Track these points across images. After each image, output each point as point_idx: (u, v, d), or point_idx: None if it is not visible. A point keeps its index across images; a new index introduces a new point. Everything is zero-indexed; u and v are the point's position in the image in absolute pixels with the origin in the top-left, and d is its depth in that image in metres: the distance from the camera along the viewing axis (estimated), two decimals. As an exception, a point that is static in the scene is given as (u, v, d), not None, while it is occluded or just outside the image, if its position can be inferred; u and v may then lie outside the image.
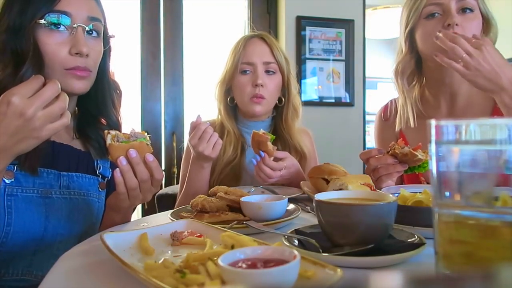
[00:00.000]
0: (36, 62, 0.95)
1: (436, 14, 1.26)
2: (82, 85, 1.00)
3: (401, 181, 1.45)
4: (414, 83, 1.42)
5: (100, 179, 1.12)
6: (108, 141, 0.84)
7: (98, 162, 1.13)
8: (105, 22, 1.07)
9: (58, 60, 0.96)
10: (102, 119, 1.14)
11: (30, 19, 0.95)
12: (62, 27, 0.96)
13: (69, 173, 1.05)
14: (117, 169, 0.85)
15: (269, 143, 1.24)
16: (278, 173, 1.26)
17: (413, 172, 1.13)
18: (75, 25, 0.96)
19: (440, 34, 1.11)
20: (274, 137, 1.30)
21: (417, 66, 1.40)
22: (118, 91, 1.20)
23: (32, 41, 0.95)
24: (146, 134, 0.88)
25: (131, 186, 0.86)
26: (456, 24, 1.21)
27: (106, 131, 0.86)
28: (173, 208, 1.03)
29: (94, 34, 1.02)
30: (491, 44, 1.09)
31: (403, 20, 1.37)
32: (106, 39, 1.09)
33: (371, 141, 3.99)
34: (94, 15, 1.01)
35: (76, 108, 1.17)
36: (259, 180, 1.28)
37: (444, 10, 1.25)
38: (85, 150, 1.12)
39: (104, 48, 1.07)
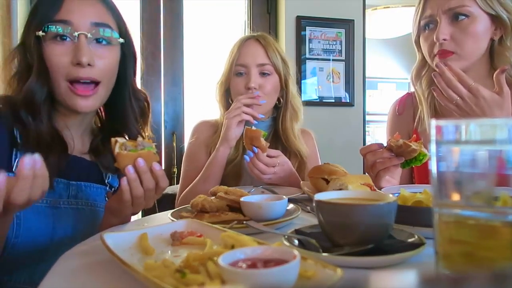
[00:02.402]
0: (40, 74, 0.94)
1: (432, 25, 1.26)
2: (87, 104, 0.97)
3: (411, 179, 1.45)
4: None
5: (108, 188, 1.12)
6: (117, 149, 0.84)
7: None
8: (121, 26, 1.04)
9: (60, 71, 0.94)
10: (125, 135, 1.10)
11: (34, 32, 0.94)
12: (64, 37, 0.94)
13: (78, 182, 1.05)
14: (124, 177, 0.85)
15: (262, 139, 1.24)
16: (272, 169, 1.27)
17: (410, 166, 1.13)
18: (76, 34, 0.94)
19: (437, 72, 1.10)
20: (266, 133, 1.30)
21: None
22: (146, 103, 1.14)
23: (36, 54, 0.94)
24: (152, 142, 0.88)
25: (136, 194, 0.86)
26: (444, 39, 1.20)
27: (113, 139, 0.85)
28: (173, 208, 1.03)
29: (104, 42, 0.98)
30: (487, 91, 1.07)
31: (412, 29, 1.37)
32: (127, 45, 1.06)
33: (371, 141, 4.00)
34: (100, 20, 0.98)
35: (95, 122, 1.16)
36: (253, 176, 1.28)
37: (436, 22, 1.23)
38: (95, 160, 1.11)
39: (125, 53, 1.05)
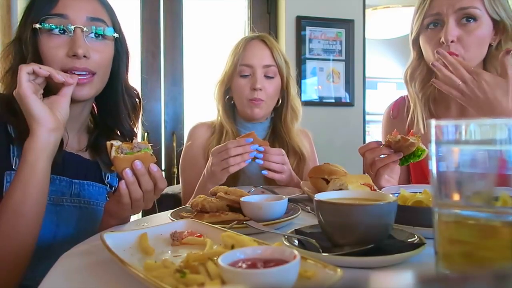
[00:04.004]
0: None
1: (437, 25, 1.24)
2: (82, 92, 0.98)
3: (408, 179, 1.44)
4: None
5: (108, 188, 1.12)
6: (113, 153, 0.84)
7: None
8: (115, 23, 1.05)
9: (56, 62, 0.95)
10: (117, 131, 1.12)
11: (30, 26, 0.95)
12: (60, 31, 0.95)
13: (81, 181, 1.05)
14: (122, 181, 0.85)
15: (257, 137, 1.25)
16: (285, 158, 1.27)
17: (409, 162, 1.12)
18: (72, 27, 0.95)
19: (436, 63, 1.09)
20: (254, 132, 1.30)
21: (430, 68, 1.38)
22: (137, 99, 1.17)
23: (31, 46, 0.95)
24: (148, 144, 0.88)
25: (135, 197, 0.86)
26: (452, 41, 1.18)
27: (109, 143, 0.85)
28: (173, 208, 1.03)
29: (100, 36, 1.00)
30: (488, 74, 1.06)
31: (411, 26, 1.35)
32: (120, 42, 1.07)
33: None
34: (96, 15, 0.99)
35: (90, 120, 1.16)
36: (275, 176, 1.26)
37: (443, 21, 1.21)
38: (94, 159, 1.12)
39: (119, 50, 1.06)
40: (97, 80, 1.01)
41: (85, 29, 0.96)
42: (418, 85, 1.35)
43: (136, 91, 1.17)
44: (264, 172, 1.26)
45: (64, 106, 0.91)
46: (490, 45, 1.25)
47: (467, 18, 1.19)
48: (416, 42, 1.34)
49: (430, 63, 1.12)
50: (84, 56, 0.95)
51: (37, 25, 0.94)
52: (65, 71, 0.96)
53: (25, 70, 0.85)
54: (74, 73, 0.96)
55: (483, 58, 1.26)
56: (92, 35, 0.99)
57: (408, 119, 1.40)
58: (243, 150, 1.22)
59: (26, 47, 0.96)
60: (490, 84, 1.05)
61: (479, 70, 1.06)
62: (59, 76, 0.89)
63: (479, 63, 1.26)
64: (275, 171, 1.26)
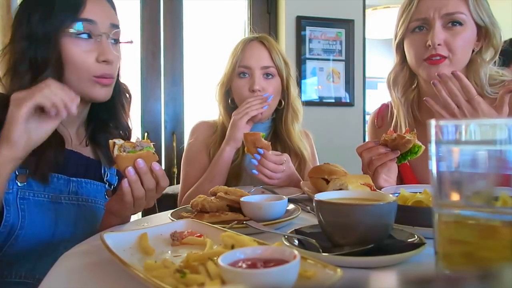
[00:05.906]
0: (56, 70, 0.96)
1: (423, 28, 1.24)
2: (106, 93, 1.02)
3: (400, 180, 1.44)
4: (414, 86, 1.39)
5: (107, 186, 1.13)
6: (116, 152, 0.85)
7: (106, 169, 1.13)
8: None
9: (86, 67, 0.98)
10: (111, 124, 1.15)
11: (56, 28, 0.96)
12: (87, 35, 0.98)
13: (78, 179, 1.06)
14: (125, 179, 0.85)
15: (263, 139, 1.24)
16: (281, 167, 1.26)
17: (406, 159, 1.12)
18: (100, 33, 0.99)
19: (437, 83, 1.09)
20: (265, 134, 1.30)
21: (412, 72, 1.37)
22: (128, 95, 1.20)
23: (55, 50, 0.96)
24: (150, 142, 0.89)
25: (138, 195, 0.86)
26: (439, 44, 1.19)
27: (111, 141, 0.86)
28: (173, 208, 1.03)
29: (113, 41, 1.03)
30: (487, 106, 1.06)
31: (394, 30, 1.35)
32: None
33: (371, 141, 3.98)
34: (115, 22, 1.03)
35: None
36: (264, 180, 1.26)
37: (430, 25, 1.22)
38: (94, 157, 1.13)
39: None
40: (114, 82, 1.06)
41: (110, 35, 1.01)
42: (400, 90, 1.36)
43: (125, 85, 1.19)
44: (254, 171, 1.27)
45: (49, 131, 0.86)
46: (472, 51, 1.26)
47: (453, 22, 1.20)
48: (400, 46, 1.34)
49: (431, 82, 1.11)
50: (112, 62, 1.00)
51: (71, 30, 0.96)
52: (96, 76, 0.99)
53: (37, 101, 0.80)
54: (104, 78, 1.00)
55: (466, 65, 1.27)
56: (113, 41, 1.03)
57: (393, 123, 1.40)
58: (262, 100, 1.41)
59: (49, 50, 0.96)
60: (485, 115, 1.05)
61: (480, 99, 1.06)
62: (74, 109, 0.84)
63: (464, 68, 1.26)
64: (265, 176, 1.26)
